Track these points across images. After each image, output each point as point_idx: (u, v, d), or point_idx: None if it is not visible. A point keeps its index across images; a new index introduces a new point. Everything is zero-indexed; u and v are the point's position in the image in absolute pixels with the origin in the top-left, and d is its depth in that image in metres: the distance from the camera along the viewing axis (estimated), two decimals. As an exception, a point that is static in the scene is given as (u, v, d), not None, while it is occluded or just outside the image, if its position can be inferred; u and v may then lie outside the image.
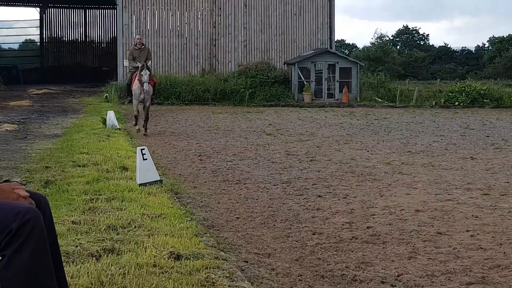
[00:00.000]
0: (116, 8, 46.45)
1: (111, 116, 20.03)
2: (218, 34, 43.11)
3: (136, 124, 20.64)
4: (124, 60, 41.16)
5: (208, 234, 7.41)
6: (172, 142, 18.35)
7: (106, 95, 35.30)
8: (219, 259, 6.16)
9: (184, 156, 15.66)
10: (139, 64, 20.12)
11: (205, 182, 12.16)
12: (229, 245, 7.30)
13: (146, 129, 20.15)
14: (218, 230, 8.11)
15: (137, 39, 22.46)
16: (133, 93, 20.36)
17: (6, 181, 3.67)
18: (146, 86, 19.54)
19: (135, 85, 20.01)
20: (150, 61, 20.89)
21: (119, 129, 19.52)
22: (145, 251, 6.22)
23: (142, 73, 19.55)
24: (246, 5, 43.26)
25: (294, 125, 24.79)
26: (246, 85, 38.08)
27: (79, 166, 11.73)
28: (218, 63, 43.25)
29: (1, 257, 3.19)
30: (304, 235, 8.19)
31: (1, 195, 3.39)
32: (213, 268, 5.84)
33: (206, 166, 14.05)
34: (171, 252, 6.14)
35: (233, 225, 8.63)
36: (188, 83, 37.81)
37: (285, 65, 42.18)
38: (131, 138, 18.30)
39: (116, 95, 35.79)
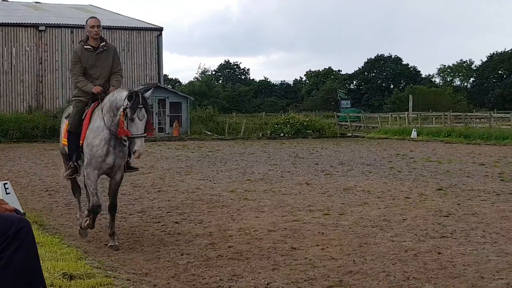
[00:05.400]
0: None
1: None
2: (45, 70, 42.69)
3: (88, 217, 9.68)
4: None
5: (89, 258, 7.88)
6: (13, 179, 18.21)
7: None
8: (109, 277, 6.69)
9: (31, 192, 15.76)
10: (94, 90, 9.58)
11: (62, 214, 12.48)
12: (108, 267, 7.79)
13: (113, 234, 9.52)
14: (93, 255, 8.56)
15: (91, 27, 9.71)
16: (88, 153, 9.45)
17: None
18: (138, 145, 9.01)
19: (93, 135, 9.42)
20: (120, 76, 10.14)
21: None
22: (37, 275, 6.60)
23: (135, 115, 9.04)
24: (73, 41, 43.19)
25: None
26: (76, 121, 37.90)
27: None
28: (45, 99, 42.77)
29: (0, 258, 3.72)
30: (173, 256, 8.84)
31: None
32: (106, 285, 6.36)
33: (57, 200, 14.29)
34: (64, 273, 6.58)
35: (104, 251, 9.12)
36: (15, 120, 37.20)
37: (115, 100, 42.41)
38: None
39: None
